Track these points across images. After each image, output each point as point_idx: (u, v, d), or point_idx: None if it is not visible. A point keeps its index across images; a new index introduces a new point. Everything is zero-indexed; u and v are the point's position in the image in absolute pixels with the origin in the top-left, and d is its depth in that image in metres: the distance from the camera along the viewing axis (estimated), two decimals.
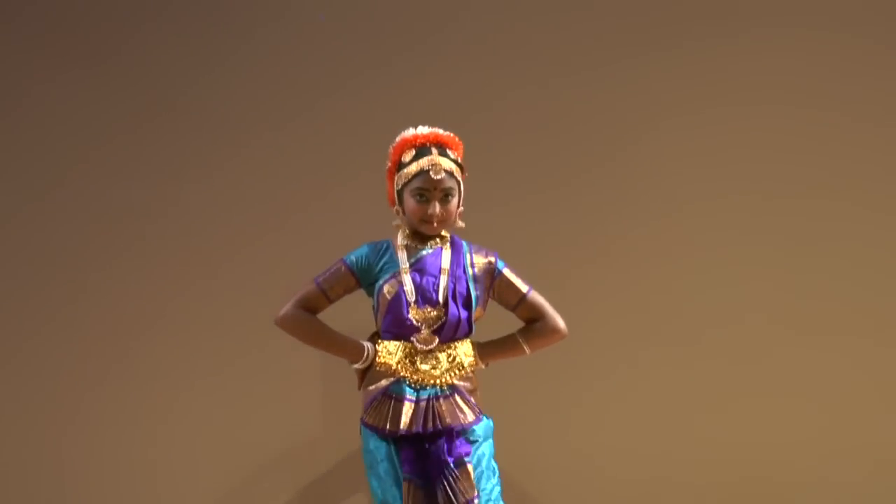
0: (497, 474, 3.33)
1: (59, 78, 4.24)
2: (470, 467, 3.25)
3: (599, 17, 4.33)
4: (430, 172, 3.30)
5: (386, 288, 3.32)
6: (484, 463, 3.30)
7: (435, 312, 3.30)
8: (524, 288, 3.42)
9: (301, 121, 4.29)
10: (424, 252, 3.36)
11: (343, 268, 3.37)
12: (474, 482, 3.24)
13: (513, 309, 3.44)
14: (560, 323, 3.43)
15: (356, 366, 3.36)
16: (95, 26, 4.27)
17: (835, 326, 4.28)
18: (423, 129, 3.38)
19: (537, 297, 3.43)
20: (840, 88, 4.31)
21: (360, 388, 3.39)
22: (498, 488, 3.31)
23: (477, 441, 3.30)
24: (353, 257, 3.38)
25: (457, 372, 3.32)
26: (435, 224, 3.33)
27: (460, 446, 3.26)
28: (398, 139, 3.40)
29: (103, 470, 4.22)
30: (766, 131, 4.30)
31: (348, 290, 3.39)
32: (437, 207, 3.31)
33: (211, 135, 4.28)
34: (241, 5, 4.32)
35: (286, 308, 3.37)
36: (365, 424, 3.32)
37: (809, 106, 4.30)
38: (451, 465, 3.22)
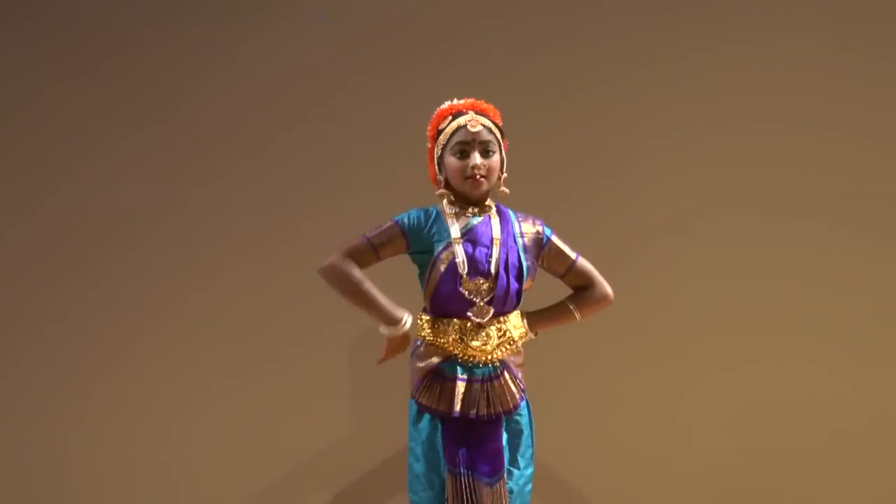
0: (532, 461, 3.31)
1: (63, 81, 4.22)
2: (503, 482, 3.22)
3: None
4: (468, 126, 3.24)
5: (440, 259, 3.22)
6: (520, 449, 3.28)
7: (486, 284, 3.22)
8: (573, 255, 3.38)
9: (303, 121, 4.25)
10: (475, 221, 3.27)
11: (395, 227, 3.26)
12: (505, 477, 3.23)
13: (561, 276, 3.39)
14: (608, 289, 3.41)
15: (385, 332, 3.27)
16: (97, 30, 4.24)
17: (848, 334, 4.30)
18: (459, 102, 3.33)
19: (585, 264, 3.40)
20: (847, 96, 4.30)
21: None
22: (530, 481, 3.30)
23: (519, 425, 3.28)
24: (404, 218, 3.28)
25: (507, 347, 3.26)
26: (478, 177, 3.23)
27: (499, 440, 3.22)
28: (435, 113, 3.34)
29: (132, 476, 4.24)
30: (778, 136, 4.30)
31: (395, 252, 3.28)
32: (479, 158, 3.22)
33: (216, 135, 4.25)
34: (241, 7, 4.26)
35: (333, 257, 3.26)
36: (418, 404, 3.24)
37: (821, 111, 4.30)
38: (494, 472, 3.20)
